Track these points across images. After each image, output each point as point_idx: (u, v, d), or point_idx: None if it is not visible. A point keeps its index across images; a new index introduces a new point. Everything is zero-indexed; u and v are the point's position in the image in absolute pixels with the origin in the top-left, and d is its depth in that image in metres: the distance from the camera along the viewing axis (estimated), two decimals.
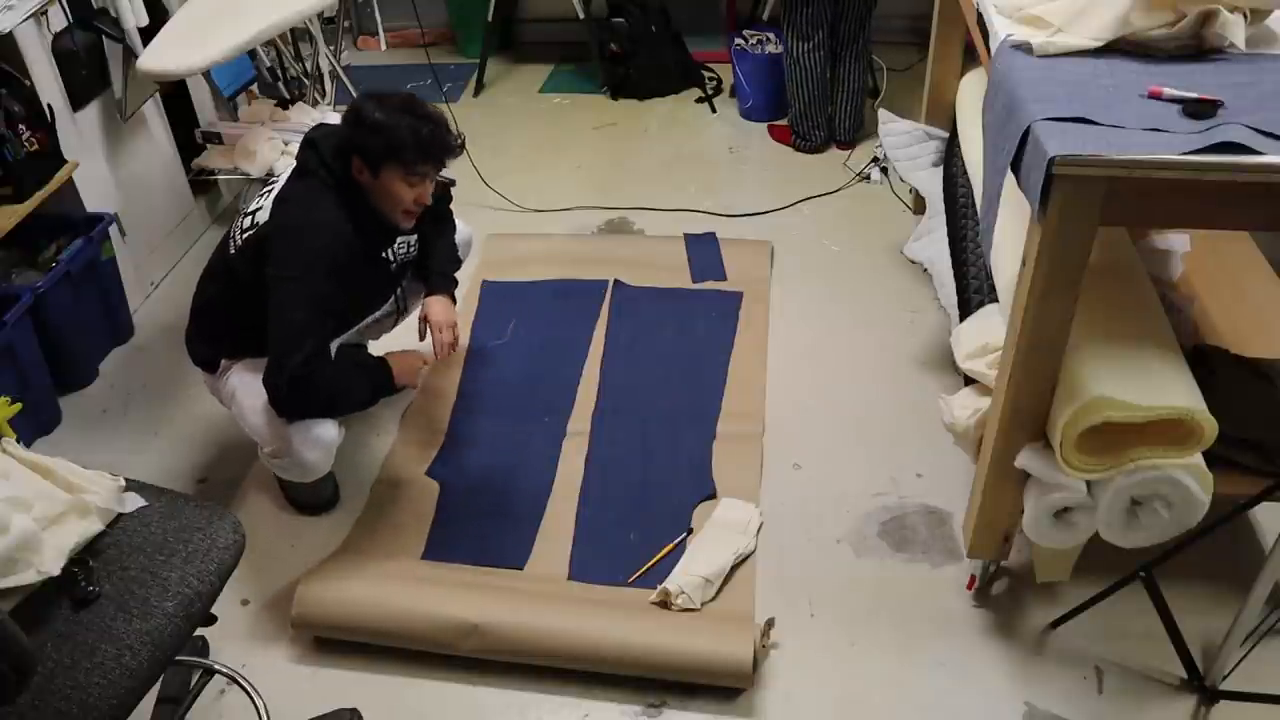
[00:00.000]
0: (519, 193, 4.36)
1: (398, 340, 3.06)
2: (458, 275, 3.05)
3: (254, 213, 2.64)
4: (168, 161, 3.96)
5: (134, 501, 2.10)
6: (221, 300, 2.74)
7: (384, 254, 2.77)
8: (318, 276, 2.48)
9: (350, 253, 2.57)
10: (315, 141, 2.63)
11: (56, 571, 1.91)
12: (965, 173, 3.25)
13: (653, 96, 5.18)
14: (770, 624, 2.51)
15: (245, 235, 2.63)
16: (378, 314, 2.96)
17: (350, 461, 3.08)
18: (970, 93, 3.36)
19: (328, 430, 2.66)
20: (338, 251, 2.53)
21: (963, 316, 2.81)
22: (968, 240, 3.04)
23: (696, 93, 5.18)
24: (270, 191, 2.67)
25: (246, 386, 2.69)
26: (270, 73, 4.31)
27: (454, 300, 2.99)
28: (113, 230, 3.55)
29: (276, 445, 2.65)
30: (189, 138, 3.98)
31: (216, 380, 2.81)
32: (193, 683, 2.52)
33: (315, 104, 4.17)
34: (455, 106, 4.94)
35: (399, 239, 2.78)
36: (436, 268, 2.98)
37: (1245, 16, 2.11)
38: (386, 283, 2.88)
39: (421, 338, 2.92)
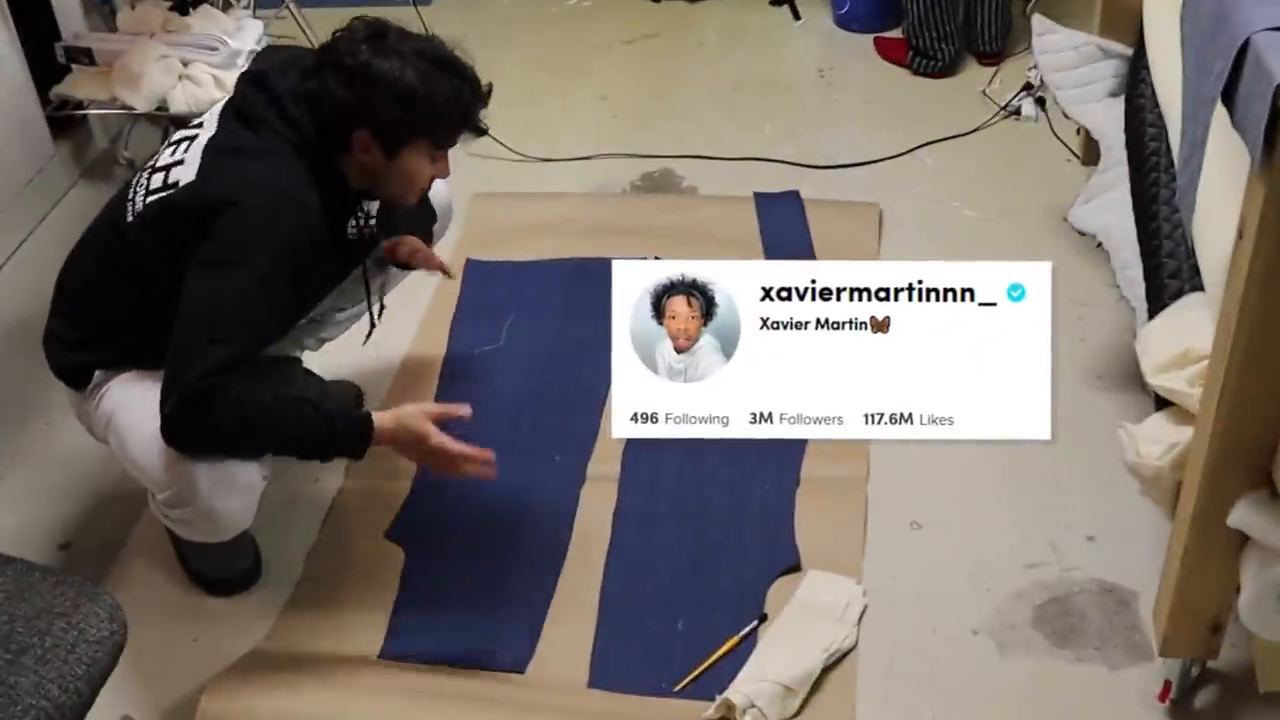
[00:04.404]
0: (517, 134, 4.38)
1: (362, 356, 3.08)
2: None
3: (170, 167, 2.63)
4: (16, 89, 3.99)
5: None
6: (104, 286, 2.75)
7: (347, 228, 2.82)
8: (271, 271, 2.51)
9: (316, 245, 2.60)
10: (265, 79, 2.64)
11: None
12: (1157, 106, 3.25)
13: None
14: None
15: (155, 198, 2.62)
16: (321, 309, 3.02)
17: (277, 519, 3.09)
18: None
19: (249, 469, 2.67)
20: (304, 241, 2.56)
21: (1152, 312, 2.80)
22: (1160, 202, 3.04)
23: None
24: (194, 140, 2.66)
25: (130, 406, 2.67)
26: None
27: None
28: None
29: (176, 489, 2.63)
30: (47, 55, 4.02)
31: (86, 400, 2.81)
32: None
33: (227, 7, 4.20)
34: (426, 9, 4.96)
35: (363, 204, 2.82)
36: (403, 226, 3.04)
37: None
38: (344, 264, 2.91)
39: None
